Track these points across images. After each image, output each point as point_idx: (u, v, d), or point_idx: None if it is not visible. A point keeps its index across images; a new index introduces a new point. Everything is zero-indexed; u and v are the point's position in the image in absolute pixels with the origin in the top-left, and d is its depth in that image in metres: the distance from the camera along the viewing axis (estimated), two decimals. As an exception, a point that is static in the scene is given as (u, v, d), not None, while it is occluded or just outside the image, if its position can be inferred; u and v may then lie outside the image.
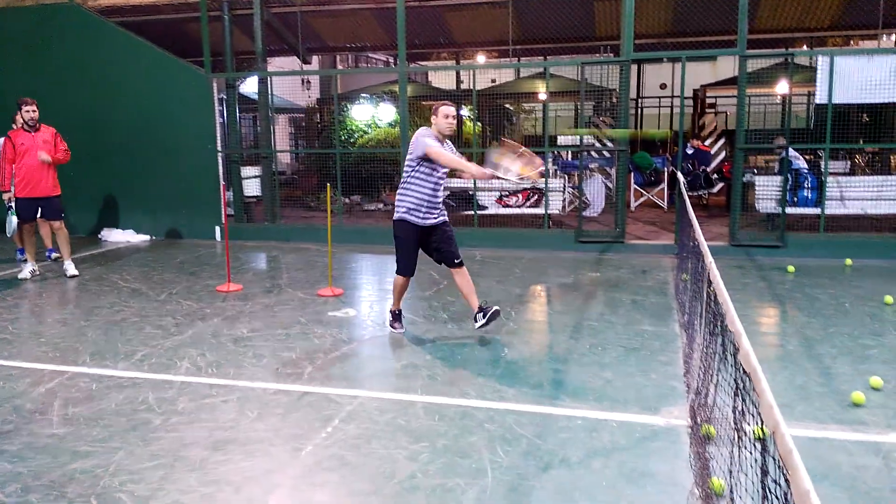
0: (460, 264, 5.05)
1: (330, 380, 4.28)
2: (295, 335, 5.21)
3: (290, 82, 13.43)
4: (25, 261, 7.36)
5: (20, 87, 10.12)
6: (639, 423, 3.61)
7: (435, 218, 4.98)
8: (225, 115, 10.27)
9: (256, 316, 5.78)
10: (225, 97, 10.17)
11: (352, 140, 12.59)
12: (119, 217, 10.24)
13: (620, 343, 4.93)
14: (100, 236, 10.06)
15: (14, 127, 7.26)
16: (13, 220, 7.20)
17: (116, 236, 9.95)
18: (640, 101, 20.66)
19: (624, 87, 8.39)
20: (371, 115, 13.13)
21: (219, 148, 9.66)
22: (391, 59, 18.75)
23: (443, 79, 17.29)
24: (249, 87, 11.37)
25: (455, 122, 5.03)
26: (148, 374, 4.39)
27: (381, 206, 11.98)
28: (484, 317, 4.88)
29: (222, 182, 9.54)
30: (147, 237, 10.02)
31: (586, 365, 4.49)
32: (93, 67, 9.97)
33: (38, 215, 7.20)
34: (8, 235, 7.72)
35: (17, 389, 4.15)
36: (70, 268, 7.31)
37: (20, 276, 7.20)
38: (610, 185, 11.20)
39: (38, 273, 7.32)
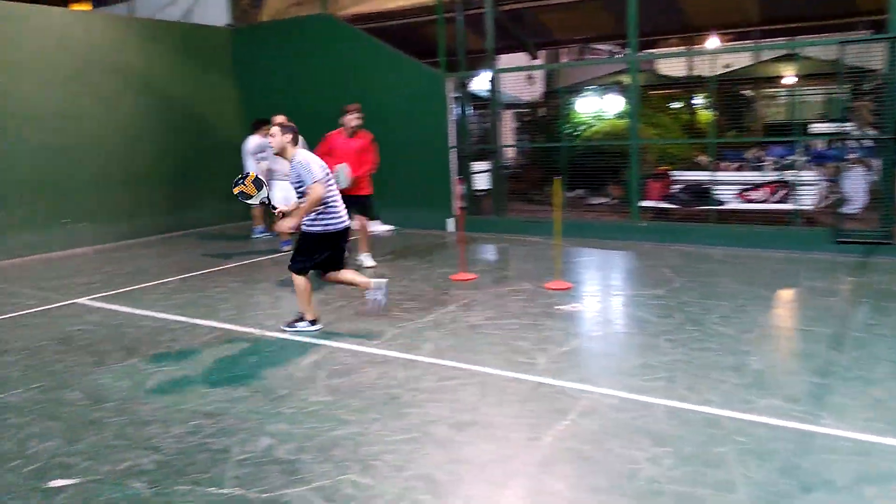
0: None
1: (563, 373, 4.31)
2: (526, 326, 5.31)
3: (516, 78, 13.68)
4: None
5: (282, 91, 11.52)
6: (920, 451, 3.17)
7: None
8: (457, 112, 10.73)
9: (489, 305, 5.99)
10: (458, 95, 10.64)
11: (576, 133, 12.50)
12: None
13: (891, 358, 4.34)
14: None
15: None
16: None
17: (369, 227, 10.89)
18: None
19: (891, 66, 7.34)
20: (597, 108, 12.92)
21: (452, 144, 10.15)
22: (616, 50, 18.24)
23: (672, 66, 16.43)
24: (478, 84, 11.75)
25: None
26: (397, 353, 4.76)
27: (605, 200, 11.75)
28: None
29: (457, 176, 10.00)
30: (390, 227, 10.84)
31: (850, 380, 4.02)
32: (341, 71, 11.00)
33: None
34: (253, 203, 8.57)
35: (290, 359, 4.73)
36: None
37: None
38: (873, 177, 9.87)
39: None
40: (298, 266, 5.18)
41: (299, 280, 5.19)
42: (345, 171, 7.31)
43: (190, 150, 11.12)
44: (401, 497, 2.91)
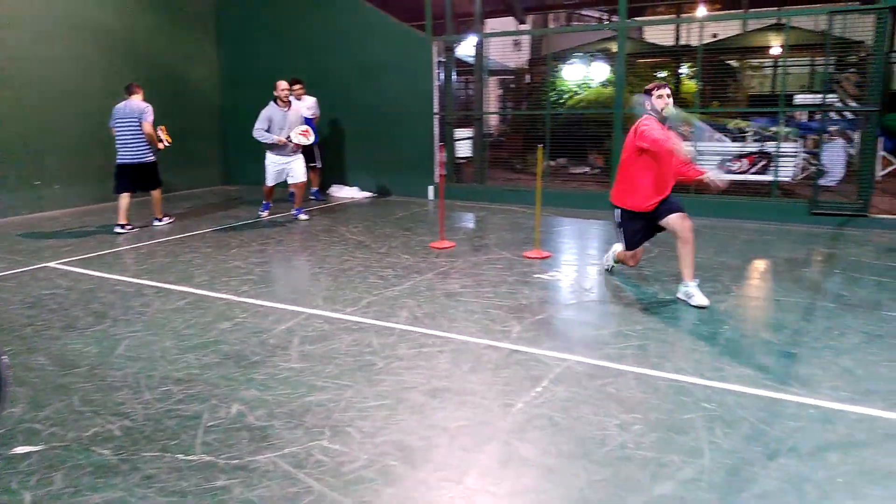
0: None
1: (538, 340, 4.32)
2: (503, 294, 5.31)
3: (501, 44, 13.51)
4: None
5: (265, 54, 11.28)
6: (883, 418, 3.21)
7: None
8: (442, 77, 10.59)
9: (466, 273, 5.97)
10: (443, 60, 10.48)
11: (561, 101, 12.40)
12: (346, 174, 11.09)
13: (861, 328, 4.39)
14: (329, 192, 10.99)
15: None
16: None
17: (344, 192, 10.82)
18: (892, 54, 17.91)
19: (879, 39, 7.32)
20: (583, 75, 12.80)
21: (435, 110, 10.03)
22: (604, 16, 18.06)
23: (659, 35, 16.32)
24: (463, 49, 11.60)
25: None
26: (372, 320, 4.74)
27: (587, 169, 11.72)
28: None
29: (438, 143, 9.91)
30: (369, 194, 10.77)
31: (820, 350, 4.06)
32: (324, 33, 10.79)
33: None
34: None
35: (263, 325, 4.69)
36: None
37: None
38: (852, 150, 9.92)
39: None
40: None
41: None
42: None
43: (168, 112, 10.88)
44: (372, 463, 2.91)
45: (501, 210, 9.25)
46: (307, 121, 9.29)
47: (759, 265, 6.27)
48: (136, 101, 7.98)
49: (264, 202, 8.84)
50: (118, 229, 7.96)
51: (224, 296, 5.36)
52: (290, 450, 3.02)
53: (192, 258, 6.67)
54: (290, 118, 8.21)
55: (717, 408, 3.34)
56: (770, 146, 8.69)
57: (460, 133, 11.16)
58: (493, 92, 15.57)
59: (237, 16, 11.64)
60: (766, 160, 8.62)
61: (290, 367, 3.94)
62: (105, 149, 10.03)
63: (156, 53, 10.85)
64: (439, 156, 8.18)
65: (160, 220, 8.46)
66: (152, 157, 8.09)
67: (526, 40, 17.93)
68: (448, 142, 10.34)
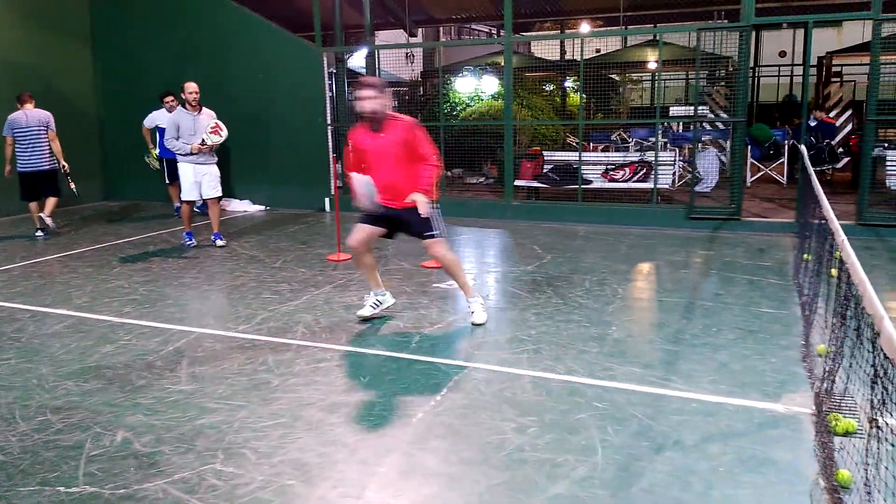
0: None
1: (436, 349, 4.35)
2: (402, 304, 5.31)
3: (395, 56, 13.57)
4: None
5: (148, 63, 10.79)
6: (758, 408, 3.46)
7: None
8: (334, 88, 10.50)
9: (365, 285, 5.92)
10: (334, 71, 10.40)
11: (454, 113, 12.60)
12: (235, 188, 10.75)
13: (736, 325, 4.72)
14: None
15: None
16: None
17: (234, 206, 10.47)
18: (757, 69, 19.48)
19: (743, 54, 7.92)
20: (474, 88, 13.07)
21: (328, 121, 9.93)
22: (494, 31, 18.53)
23: (546, 49, 16.95)
24: (356, 61, 11.57)
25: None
26: (267, 336, 4.61)
27: (482, 179, 11.96)
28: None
29: (332, 155, 9.80)
30: (262, 207, 10.48)
31: (699, 346, 4.33)
32: (210, 42, 10.45)
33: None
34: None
35: (149, 347, 4.47)
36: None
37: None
38: (724, 159, 10.67)
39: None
40: None
41: None
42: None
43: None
44: (268, 484, 2.83)
45: (398, 221, 9.27)
46: None
47: (643, 268, 6.61)
48: (38, 111, 8.20)
49: (186, 231, 7.69)
50: (39, 233, 8.29)
51: (106, 318, 5.06)
52: (181, 475, 2.89)
53: (70, 279, 6.25)
54: (200, 123, 7.30)
55: (608, 406, 3.48)
56: (649, 156, 9.19)
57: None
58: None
59: (115, 26, 11.06)
60: (646, 169, 9.11)
61: (180, 390, 3.77)
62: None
63: (30, 66, 10.12)
64: (334, 167, 8.09)
65: (44, 228, 8.37)
66: (55, 164, 8.25)
67: (419, 53, 18.11)
68: (343, 153, 10.26)
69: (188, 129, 7.27)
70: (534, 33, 16.67)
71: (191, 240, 7.67)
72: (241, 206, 10.47)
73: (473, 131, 11.15)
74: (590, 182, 9.20)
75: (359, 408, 3.52)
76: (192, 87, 7.35)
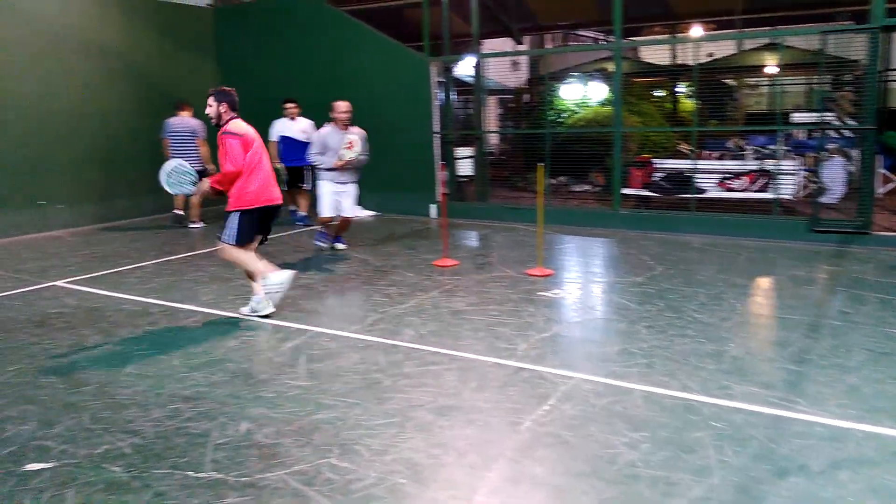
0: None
1: (543, 358, 4.33)
2: (507, 312, 5.33)
3: (500, 63, 13.63)
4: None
5: (264, 74, 11.38)
6: (892, 436, 3.22)
7: None
8: (441, 97, 10.68)
9: (470, 291, 5.99)
10: (442, 80, 10.58)
11: (560, 120, 12.49)
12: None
13: (867, 346, 4.41)
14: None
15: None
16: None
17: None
18: (885, 73, 18.08)
19: (872, 58, 7.41)
20: (581, 95, 12.91)
21: (435, 129, 10.11)
22: (600, 37, 18.24)
23: (656, 54, 16.50)
24: (462, 69, 11.70)
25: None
26: (378, 337, 4.75)
27: (588, 187, 11.78)
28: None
29: (440, 162, 9.96)
30: (372, 213, 10.79)
31: (826, 368, 4.08)
32: (325, 54, 10.88)
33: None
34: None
35: (269, 344, 4.71)
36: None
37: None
38: (852, 168, 9.99)
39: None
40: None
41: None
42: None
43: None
44: (381, 481, 2.91)
45: (503, 228, 9.29)
46: (301, 145, 9.25)
47: (762, 282, 6.30)
48: (190, 119, 9.48)
49: (322, 231, 7.84)
50: (192, 225, 9.72)
51: (231, 314, 5.38)
52: (299, 467, 3.03)
53: (197, 277, 6.69)
54: (355, 141, 7.23)
55: (726, 426, 3.35)
56: (769, 164, 8.75)
57: (461, 152, 11.23)
58: (492, 111, 15.68)
59: (236, 37, 11.74)
60: (766, 178, 8.68)
61: (298, 385, 3.95)
62: (105, 168, 10.14)
63: (162, 76, 10.95)
64: (440, 174, 8.21)
65: (195, 223, 9.73)
66: (202, 167, 9.26)
67: (524, 60, 18.10)
68: (449, 160, 10.41)
69: (335, 146, 7.21)
70: (643, 38, 16.27)
71: (334, 242, 7.91)
72: (353, 212, 10.81)
73: (579, 138, 11.02)
74: (704, 191, 8.87)
75: (467, 412, 3.57)
76: (342, 106, 7.28)
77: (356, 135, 7.29)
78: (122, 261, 7.46)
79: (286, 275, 5.22)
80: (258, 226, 5.24)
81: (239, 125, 5.18)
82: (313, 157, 7.39)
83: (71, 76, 9.70)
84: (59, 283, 6.49)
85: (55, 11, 9.50)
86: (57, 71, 9.52)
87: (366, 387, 3.91)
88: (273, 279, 5.16)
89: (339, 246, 7.90)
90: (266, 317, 5.24)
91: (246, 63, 11.70)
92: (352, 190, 7.57)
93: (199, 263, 7.30)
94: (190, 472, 3.00)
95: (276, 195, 5.27)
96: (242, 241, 5.12)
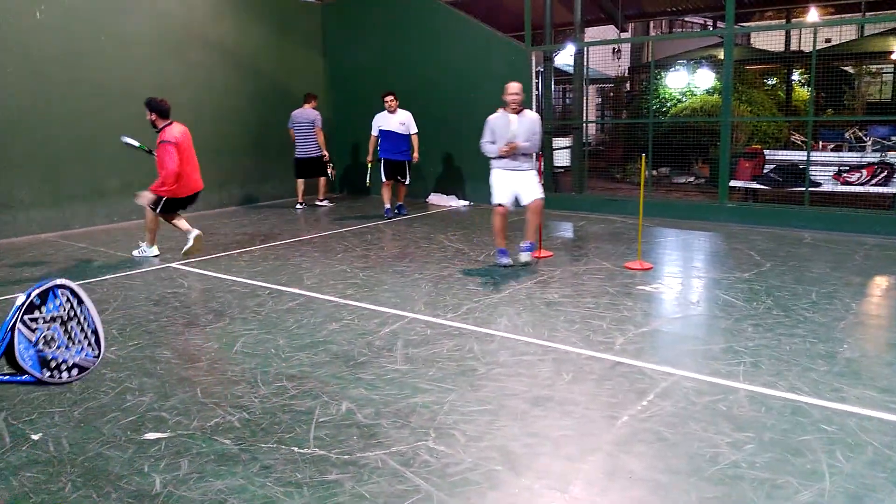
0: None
1: (642, 354, 4.24)
2: (604, 305, 5.24)
3: (601, 52, 13.34)
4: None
5: (366, 68, 11.64)
6: None
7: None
8: (540, 86, 10.59)
9: (566, 282, 5.94)
10: (542, 69, 10.47)
11: (664, 109, 12.10)
12: (443, 183, 11.25)
13: None
14: (426, 200, 11.19)
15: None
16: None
17: (441, 201, 10.98)
18: None
19: None
20: (686, 83, 12.45)
21: (534, 119, 10.03)
22: (710, 23, 17.48)
23: (768, 41, 15.66)
24: (561, 58, 11.55)
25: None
26: (472, 326, 4.80)
27: (691, 179, 11.38)
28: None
29: (538, 152, 9.87)
30: (466, 203, 10.87)
31: (954, 374, 3.78)
32: (427, 46, 11.01)
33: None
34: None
35: (368, 328, 4.85)
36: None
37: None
38: None
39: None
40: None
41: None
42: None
43: (277, 123, 11.45)
44: (476, 466, 2.95)
45: (600, 220, 9.13)
46: (401, 137, 9.42)
47: (881, 282, 5.89)
48: (310, 110, 10.47)
49: (499, 248, 6.68)
50: (298, 206, 10.78)
51: (332, 298, 5.58)
52: (397, 448, 3.11)
53: (301, 262, 6.97)
54: (520, 126, 6.46)
55: (838, 430, 3.17)
56: (891, 156, 8.15)
57: (558, 142, 11.10)
58: (592, 100, 15.39)
59: (341, 31, 12.07)
60: (887, 171, 8.09)
61: (396, 369, 4.05)
62: (219, 157, 10.70)
63: (274, 72, 11.47)
64: (539, 164, 8.16)
65: (322, 202, 11.02)
66: (320, 153, 10.55)
67: (626, 48, 17.63)
68: (546, 151, 10.30)
69: (501, 132, 6.51)
70: (756, 23, 15.48)
71: (505, 257, 6.60)
72: (446, 202, 10.94)
73: (683, 128, 10.64)
74: (818, 184, 8.37)
75: (562, 404, 3.55)
76: (514, 87, 6.52)
77: (529, 120, 6.55)
78: (232, 245, 7.87)
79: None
80: (182, 204, 7.35)
81: (172, 132, 6.88)
82: (483, 145, 6.71)
83: (192, 70, 10.35)
84: (175, 264, 6.94)
85: (179, 7, 10.10)
86: (180, 65, 10.16)
87: (461, 373, 3.96)
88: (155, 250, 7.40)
89: (523, 258, 6.61)
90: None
91: (350, 57, 12.02)
92: (529, 178, 6.61)
93: (302, 249, 7.60)
94: (295, 448, 3.14)
95: (198, 185, 7.38)
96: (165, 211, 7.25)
